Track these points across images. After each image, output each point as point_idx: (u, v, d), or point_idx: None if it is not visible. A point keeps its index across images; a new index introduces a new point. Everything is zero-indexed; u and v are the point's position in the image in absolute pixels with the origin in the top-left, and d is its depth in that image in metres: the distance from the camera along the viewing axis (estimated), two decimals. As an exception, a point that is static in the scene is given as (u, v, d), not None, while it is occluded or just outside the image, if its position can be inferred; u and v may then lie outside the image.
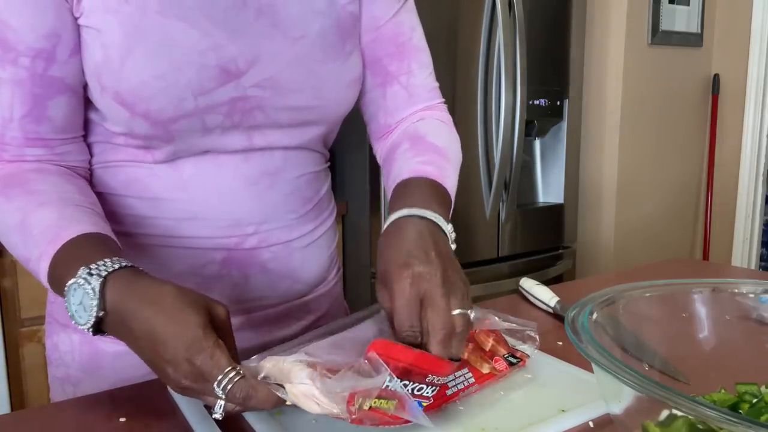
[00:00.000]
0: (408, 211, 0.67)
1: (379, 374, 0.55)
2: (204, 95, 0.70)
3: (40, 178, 0.69)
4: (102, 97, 0.70)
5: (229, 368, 0.54)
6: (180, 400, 0.66)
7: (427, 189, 0.72)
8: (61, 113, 0.71)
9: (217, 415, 0.56)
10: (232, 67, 0.71)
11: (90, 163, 0.78)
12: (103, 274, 0.58)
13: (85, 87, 0.73)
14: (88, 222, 0.65)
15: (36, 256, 0.64)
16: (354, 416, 0.54)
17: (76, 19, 0.68)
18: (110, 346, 0.79)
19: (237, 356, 0.59)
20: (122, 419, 0.64)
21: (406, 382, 0.56)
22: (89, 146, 0.77)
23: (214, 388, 0.54)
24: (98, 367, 0.79)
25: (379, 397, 0.55)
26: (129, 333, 0.58)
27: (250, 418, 0.63)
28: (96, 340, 0.79)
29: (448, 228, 0.68)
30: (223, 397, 0.54)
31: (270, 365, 0.57)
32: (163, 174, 0.75)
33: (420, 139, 0.81)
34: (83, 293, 0.58)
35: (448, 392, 0.64)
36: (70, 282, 0.59)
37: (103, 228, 0.66)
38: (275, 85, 0.74)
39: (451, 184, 0.76)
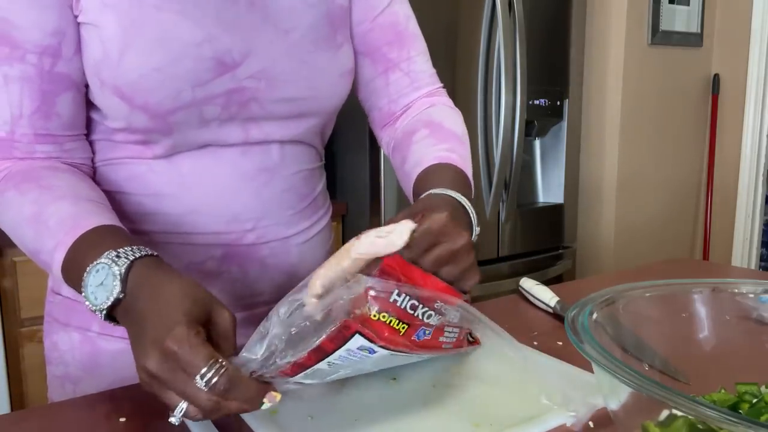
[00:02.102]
0: (444, 191, 0.71)
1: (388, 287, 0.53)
2: (201, 86, 0.71)
3: (53, 174, 0.70)
4: (102, 93, 0.71)
5: (212, 361, 0.51)
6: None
7: (456, 177, 0.76)
8: (68, 110, 0.72)
9: (174, 420, 0.52)
10: (228, 58, 0.73)
11: (93, 161, 0.78)
12: (131, 258, 0.58)
13: (86, 86, 0.74)
14: (104, 216, 0.66)
15: (50, 247, 0.64)
16: (357, 317, 0.52)
17: (75, 17, 0.70)
18: (110, 344, 0.79)
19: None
20: (122, 419, 0.64)
21: (415, 302, 0.54)
22: (91, 144, 0.78)
23: (195, 380, 0.51)
24: (97, 366, 0.80)
25: (386, 312, 0.52)
26: (129, 317, 0.57)
27: (246, 416, 0.63)
28: (95, 339, 0.80)
29: (475, 223, 0.73)
30: (205, 388, 0.51)
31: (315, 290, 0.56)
32: (162, 170, 0.76)
33: (438, 126, 0.84)
34: (107, 274, 0.57)
35: (440, 338, 0.60)
36: (94, 263, 0.58)
37: (118, 223, 0.67)
38: (269, 77, 0.76)
39: (470, 173, 0.81)
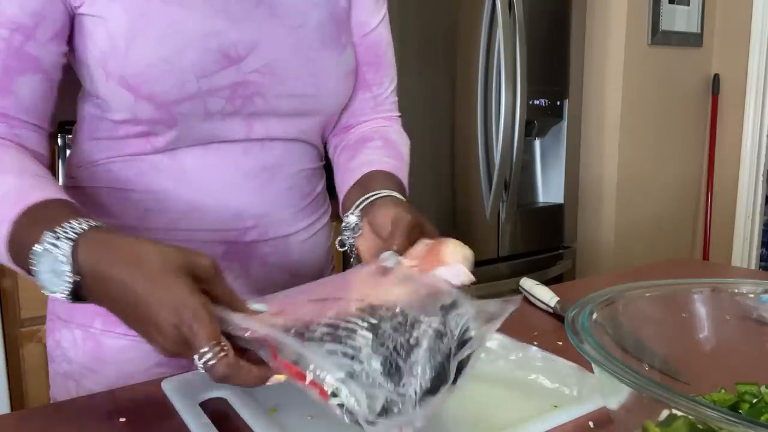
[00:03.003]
0: (402, 198, 0.75)
1: None
2: (206, 78, 0.72)
3: (0, 150, 0.67)
4: (107, 84, 0.72)
5: (213, 342, 0.50)
6: (177, 401, 0.66)
7: (402, 190, 0.80)
8: (28, 92, 0.70)
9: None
10: (233, 52, 0.74)
11: (93, 162, 0.79)
12: (72, 236, 0.54)
13: (78, 82, 0.74)
14: (51, 190, 0.62)
15: None
16: None
17: (74, 8, 0.70)
18: (112, 341, 0.80)
19: (236, 299, 0.57)
20: (122, 419, 0.64)
21: None
22: (92, 145, 0.78)
23: (194, 359, 0.51)
24: (101, 362, 0.80)
25: None
26: (108, 297, 0.55)
27: (245, 416, 0.63)
28: (98, 336, 0.80)
29: None
30: (203, 371, 0.51)
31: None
32: (166, 167, 0.77)
33: (392, 144, 0.89)
34: (52, 259, 0.54)
35: None
36: (35, 248, 0.55)
37: (64, 196, 0.63)
38: (274, 72, 0.77)
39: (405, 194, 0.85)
